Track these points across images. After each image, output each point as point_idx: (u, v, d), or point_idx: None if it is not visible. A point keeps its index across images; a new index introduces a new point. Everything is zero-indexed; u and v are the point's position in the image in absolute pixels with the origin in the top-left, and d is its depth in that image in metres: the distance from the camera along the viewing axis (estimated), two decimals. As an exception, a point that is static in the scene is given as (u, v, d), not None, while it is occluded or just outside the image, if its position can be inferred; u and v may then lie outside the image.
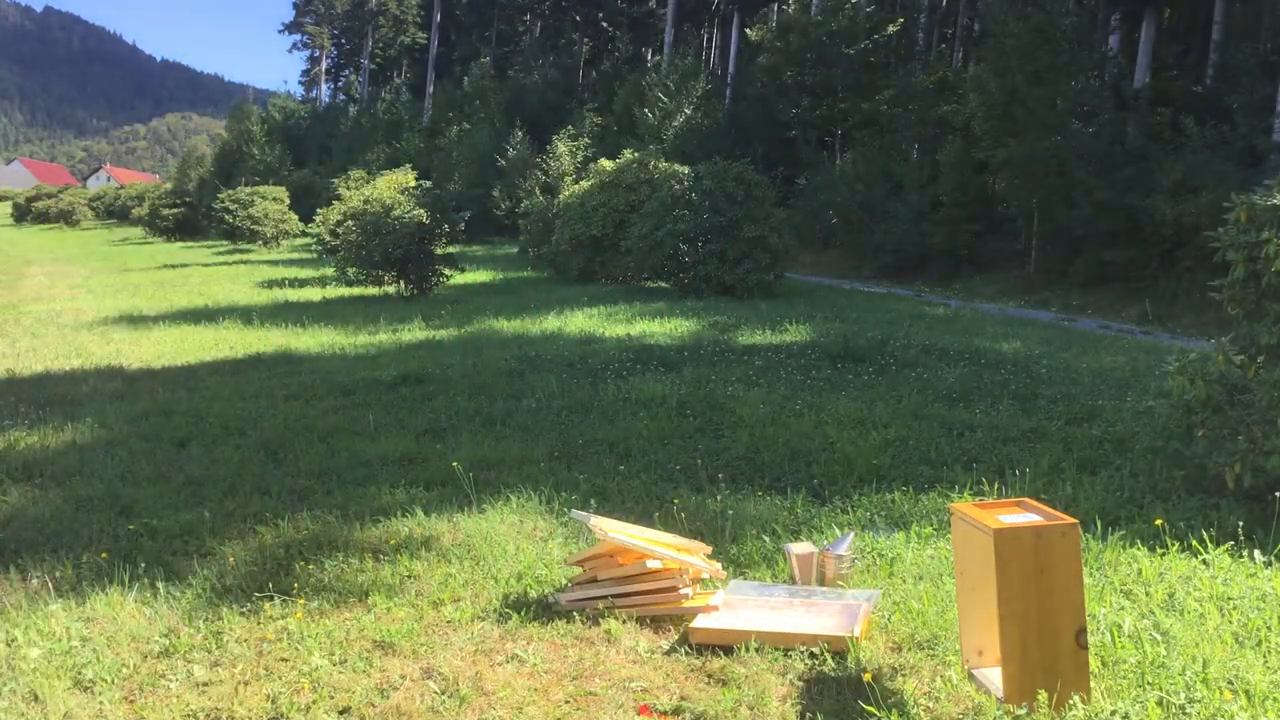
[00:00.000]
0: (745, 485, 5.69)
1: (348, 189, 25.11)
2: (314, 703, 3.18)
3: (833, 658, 3.39)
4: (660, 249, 17.04)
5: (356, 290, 19.13)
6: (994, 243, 20.83)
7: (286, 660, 3.49)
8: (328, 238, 22.24)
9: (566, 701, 3.18)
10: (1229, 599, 3.81)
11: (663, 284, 17.81)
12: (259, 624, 3.80)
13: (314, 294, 18.95)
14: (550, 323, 13.25)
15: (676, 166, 19.75)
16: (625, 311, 14.16)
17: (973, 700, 3.09)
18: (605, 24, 49.33)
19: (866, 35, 29.18)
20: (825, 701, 3.13)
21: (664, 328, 12.38)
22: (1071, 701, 2.89)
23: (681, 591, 3.81)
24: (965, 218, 20.57)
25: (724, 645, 3.51)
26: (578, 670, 3.38)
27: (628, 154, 21.16)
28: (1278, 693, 3.05)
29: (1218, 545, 4.34)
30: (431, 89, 52.88)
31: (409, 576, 4.26)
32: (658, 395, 7.94)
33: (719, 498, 5.31)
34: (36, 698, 3.24)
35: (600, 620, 3.73)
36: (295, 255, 30.97)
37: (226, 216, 33.59)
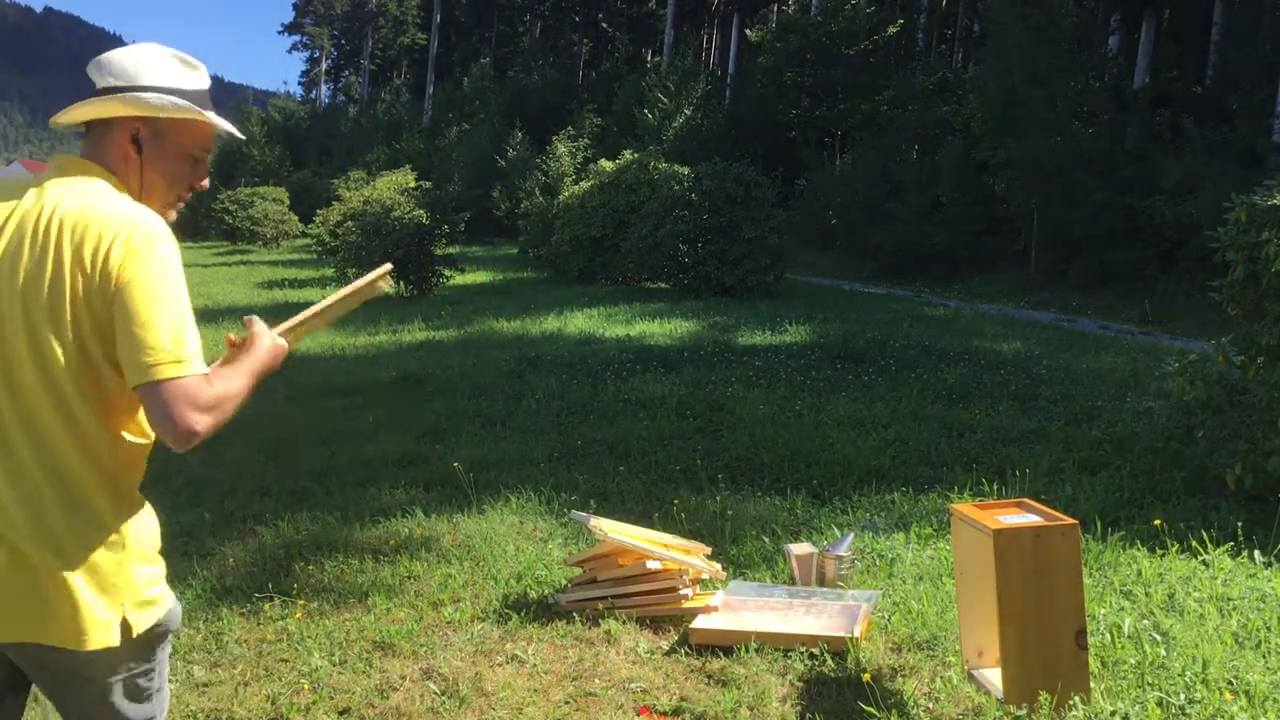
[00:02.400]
0: (745, 486, 5.69)
1: (348, 190, 25.11)
2: (314, 703, 3.18)
3: (833, 658, 3.39)
4: (660, 250, 17.05)
5: (356, 291, 19.11)
6: (994, 243, 20.83)
7: (286, 661, 3.49)
8: (327, 238, 22.25)
9: (566, 702, 3.18)
10: (1229, 599, 3.81)
11: (662, 285, 17.82)
12: (259, 624, 3.80)
13: (314, 295, 18.94)
14: (550, 323, 13.26)
15: (676, 167, 19.75)
16: (625, 312, 14.17)
17: (973, 701, 3.09)
18: (605, 25, 49.37)
19: (866, 36, 29.20)
20: (825, 702, 3.13)
21: (664, 328, 12.38)
22: (1071, 702, 2.89)
23: (681, 592, 3.81)
24: (965, 218, 20.57)
25: (724, 646, 3.51)
26: (578, 671, 3.38)
27: (628, 155, 21.16)
28: (1278, 693, 3.05)
29: (1218, 546, 4.34)
30: (431, 90, 52.90)
31: (409, 577, 4.26)
32: (657, 396, 7.94)
33: (719, 498, 5.31)
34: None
35: (600, 621, 3.73)
36: (295, 256, 31.00)
37: (226, 217, 33.63)
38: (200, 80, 1.87)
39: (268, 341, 1.89)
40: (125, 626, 1.76)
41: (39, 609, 1.71)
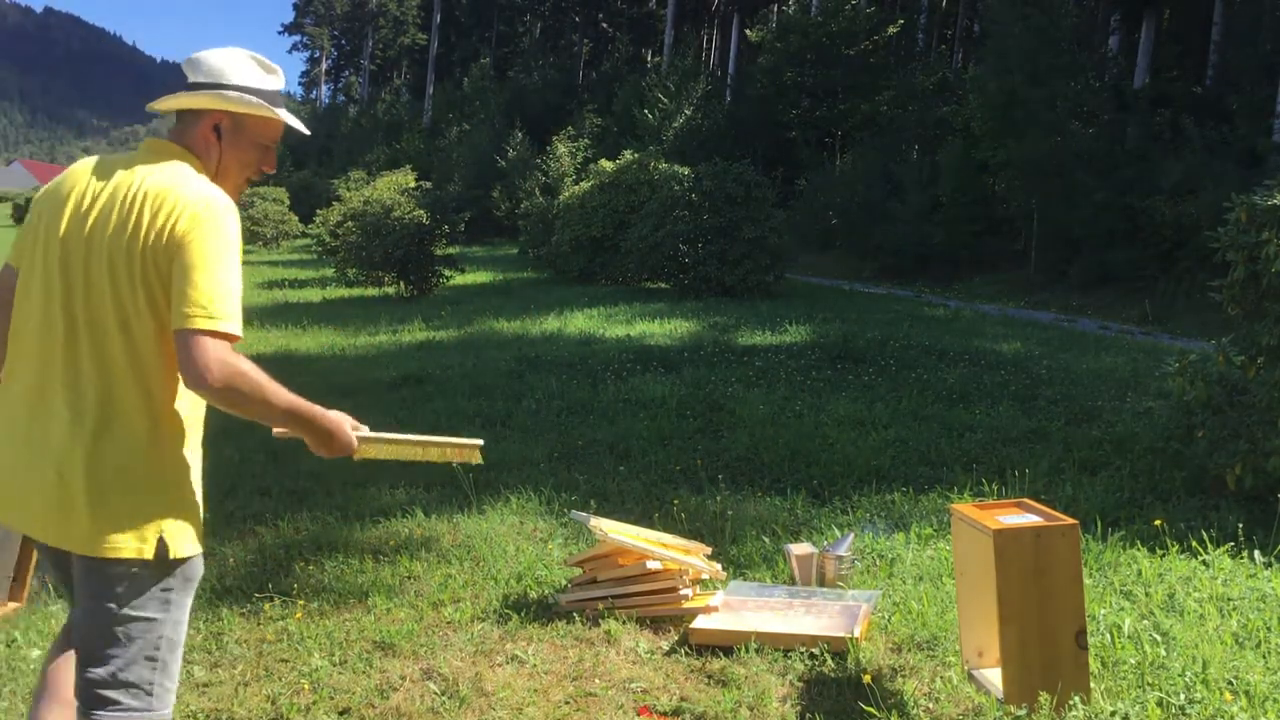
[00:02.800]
0: (745, 486, 5.69)
1: (348, 190, 25.11)
2: (314, 703, 3.18)
3: (833, 658, 3.39)
4: (660, 250, 17.04)
5: (356, 291, 19.14)
6: (994, 243, 20.83)
7: (286, 661, 3.49)
8: (328, 238, 22.25)
9: (566, 702, 3.18)
10: (1229, 600, 3.81)
11: (663, 285, 17.82)
12: (259, 625, 3.79)
13: (314, 295, 18.96)
14: (550, 323, 13.26)
15: (676, 167, 19.74)
16: (625, 312, 14.17)
17: (973, 701, 3.09)
18: (605, 25, 49.36)
19: (866, 36, 29.19)
20: (825, 702, 3.13)
21: (664, 328, 12.38)
22: (1072, 702, 2.89)
23: (681, 592, 3.80)
24: (965, 218, 20.56)
25: (724, 646, 3.51)
26: (578, 671, 3.38)
27: (628, 155, 21.16)
28: (1278, 693, 3.05)
29: (1218, 546, 4.34)
30: (431, 90, 52.89)
31: (409, 577, 4.26)
32: (658, 396, 7.94)
33: (719, 498, 5.31)
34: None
35: (600, 621, 3.73)
36: (295, 256, 30.99)
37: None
38: (275, 82, 2.22)
39: (335, 415, 2.15)
40: (162, 545, 2.02)
41: (81, 523, 1.98)
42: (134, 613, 2.04)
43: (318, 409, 2.10)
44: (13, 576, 2.37)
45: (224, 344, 1.93)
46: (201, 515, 2.13)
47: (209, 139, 2.15)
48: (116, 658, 2.04)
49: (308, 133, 2.38)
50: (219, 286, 1.96)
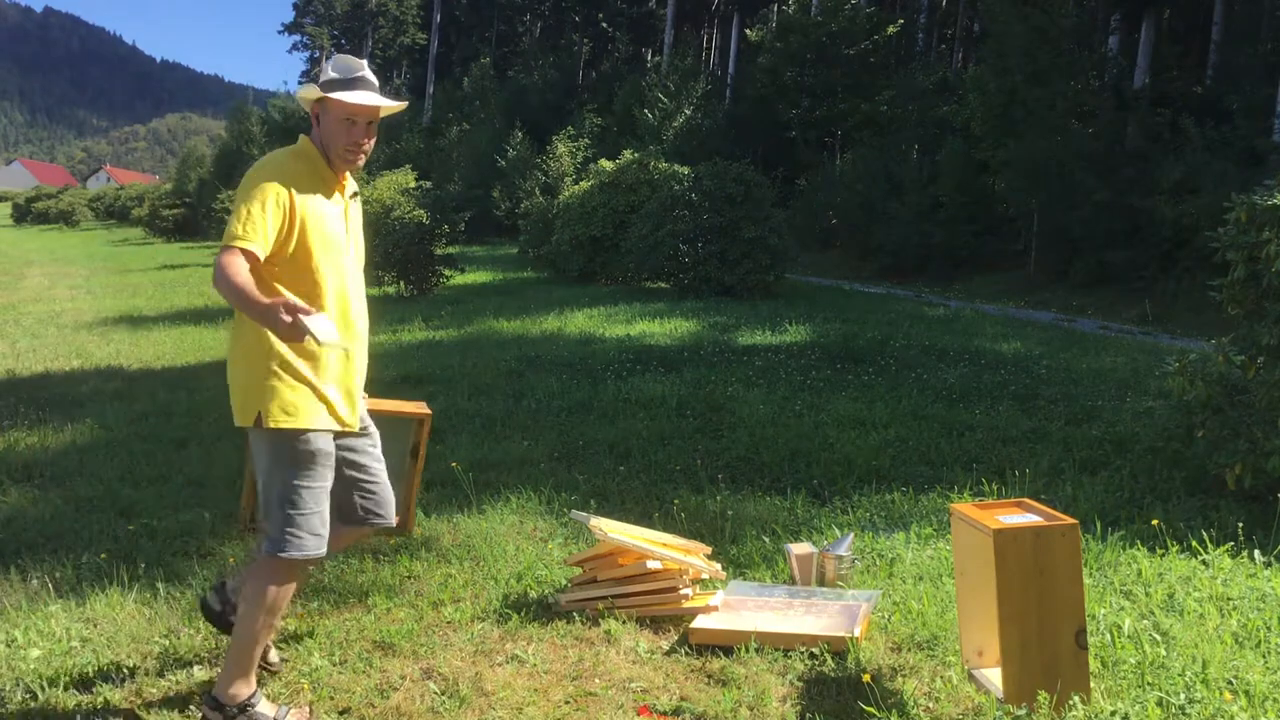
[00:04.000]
0: (745, 485, 5.69)
1: (348, 189, 25.03)
2: (314, 703, 3.18)
3: (833, 658, 3.39)
4: (660, 250, 17.02)
5: (356, 291, 19.08)
6: (994, 243, 20.82)
7: (286, 661, 3.49)
8: (328, 238, 22.19)
9: (566, 702, 3.18)
10: (1229, 599, 3.81)
11: (662, 284, 17.80)
12: (259, 624, 3.79)
13: (314, 294, 18.92)
14: (550, 323, 13.25)
15: (676, 167, 19.72)
16: (625, 312, 14.15)
17: (973, 701, 3.09)
18: (605, 24, 49.34)
19: (866, 36, 29.19)
20: (825, 702, 3.13)
21: (664, 328, 12.37)
22: (1071, 702, 2.89)
23: (681, 592, 3.80)
24: (965, 218, 20.54)
25: (724, 646, 3.51)
26: (577, 671, 3.38)
27: (628, 155, 21.13)
28: (1278, 693, 3.05)
29: (1217, 546, 4.34)
30: (431, 89, 52.88)
31: (409, 577, 4.26)
32: (658, 396, 7.94)
33: (719, 498, 5.31)
34: (36, 698, 3.24)
35: (600, 621, 3.73)
36: (295, 256, 30.87)
37: (227, 217, 33.57)
38: (345, 71, 2.97)
39: (268, 303, 2.64)
40: (260, 416, 2.85)
41: (233, 400, 2.96)
42: (261, 471, 2.91)
43: (259, 299, 2.66)
44: (408, 507, 3.36)
45: (231, 252, 2.75)
46: (316, 398, 2.90)
47: (314, 125, 3.02)
48: (261, 506, 2.98)
49: (396, 105, 3.05)
50: (241, 215, 2.81)
